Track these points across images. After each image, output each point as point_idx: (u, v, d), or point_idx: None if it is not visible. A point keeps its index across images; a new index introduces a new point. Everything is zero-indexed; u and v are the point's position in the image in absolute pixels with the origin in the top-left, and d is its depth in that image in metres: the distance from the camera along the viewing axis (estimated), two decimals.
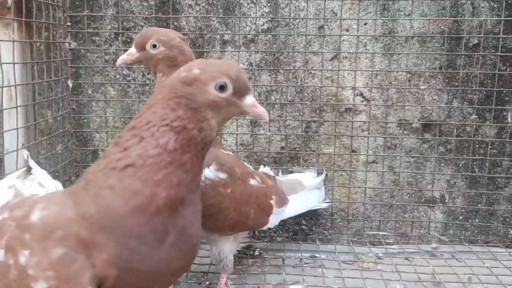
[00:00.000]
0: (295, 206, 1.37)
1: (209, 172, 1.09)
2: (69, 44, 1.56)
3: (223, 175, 1.12)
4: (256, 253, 1.47)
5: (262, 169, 1.42)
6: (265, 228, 1.30)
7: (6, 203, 0.85)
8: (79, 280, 0.66)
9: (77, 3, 1.55)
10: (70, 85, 1.58)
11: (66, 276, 0.67)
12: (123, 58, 1.13)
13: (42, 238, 0.69)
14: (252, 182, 1.21)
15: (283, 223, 1.61)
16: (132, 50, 1.11)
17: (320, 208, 1.53)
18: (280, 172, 1.56)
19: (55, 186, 1.03)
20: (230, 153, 1.23)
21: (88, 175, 0.73)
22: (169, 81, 0.75)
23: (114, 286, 0.69)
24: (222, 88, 0.72)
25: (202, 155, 0.73)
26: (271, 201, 1.26)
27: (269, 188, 1.28)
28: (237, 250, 1.47)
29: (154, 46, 1.09)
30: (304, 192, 1.42)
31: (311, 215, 1.61)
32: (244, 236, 1.32)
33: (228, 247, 1.19)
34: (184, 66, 0.76)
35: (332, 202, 1.57)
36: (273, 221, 1.29)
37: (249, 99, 0.76)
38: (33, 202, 0.76)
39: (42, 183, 1.01)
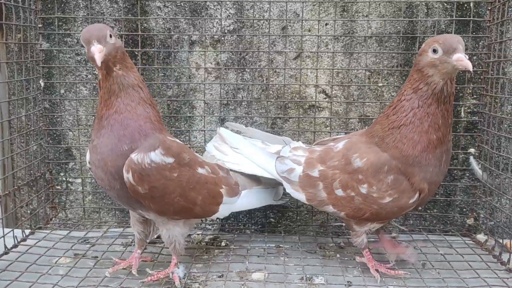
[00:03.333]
0: (249, 200, 1.40)
1: (155, 156, 1.13)
2: (41, 45, 1.61)
3: (169, 160, 1.16)
4: (223, 244, 1.52)
5: (215, 161, 1.46)
6: (214, 217, 1.35)
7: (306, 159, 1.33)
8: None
9: (49, 5, 1.60)
10: (42, 84, 1.63)
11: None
12: (101, 55, 1.06)
13: (373, 174, 1.21)
14: (201, 170, 1.25)
15: (251, 216, 1.68)
16: (99, 46, 1.07)
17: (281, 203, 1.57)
18: None
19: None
20: (178, 140, 1.27)
21: (376, 133, 1.25)
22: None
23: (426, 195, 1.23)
24: (435, 51, 1.13)
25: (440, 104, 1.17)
26: (221, 190, 1.30)
27: (220, 178, 1.32)
28: (204, 242, 1.54)
29: (110, 36, 1.10)
30: (259, 188, 1.44)
31: (278, 209, 1.68)
32: (195, 223, 1.35)
33: (177, 231, 1.24)
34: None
35: (287, 201, 1.62)
36: (223, 211, 1.33)
37: (458, 55, 1.10)
38: (345, 154, 1.27)
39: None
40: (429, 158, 1.19)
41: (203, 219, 1.67)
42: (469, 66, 1.08)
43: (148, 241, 1.37)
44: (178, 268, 1.27)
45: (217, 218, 1.67)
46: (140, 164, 1.11)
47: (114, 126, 1.13)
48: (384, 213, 1.24)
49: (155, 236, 1.39)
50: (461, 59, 1.09)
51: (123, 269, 1.29)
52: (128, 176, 1.11)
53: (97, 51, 1.06)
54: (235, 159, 1.44)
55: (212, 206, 1.30)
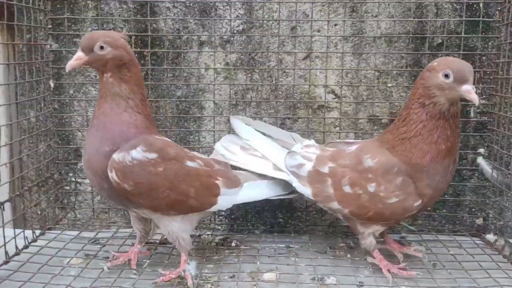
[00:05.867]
0: (252, 191, 1.40)
1: (136, 153, 1.16)
2: (50, 45, 1.61)
3: (152, 155, 1.18)
4: (233, 244, 1.52)
5: (212, 156, 1.47)
6: (215, 209, 1.34)
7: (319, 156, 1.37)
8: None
9: (58, 6, 1.61)
10: (52, 85, 1.63)
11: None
12: (71, 64, 1.16)
13: (383, 174, 1.24)
14: (191, 163, 1.26)
15: (259, 216, 1.68)
16: (80, 54, 1.16)
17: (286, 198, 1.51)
18: None
19: None
20: (166, 138, 1.30)
21: (387, 141, 1.28)
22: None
23: (428, 201, 1.26)
24: (447, 76, 1.15)
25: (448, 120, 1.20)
26: (216, 182, 1.31)
27: (215, 171, 1.32)
28: (214, 242, 1.54)
29: (102, 47, 1.15)
30: (264, 181, 1.43)
31: (287, 209, 1.68)
32: (198, 219, 1.35)
33: (176, 226, 1.25)
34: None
35: (297, 195, 1.62)
36: (224, 202, 1.34)
37: (467, 87, 1.13)
38: (357, 154, 1.31)
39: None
40: (437, 167, 1.22)
41: (212, 218, 1.68)
42: (476, 100, 1.13)
43: (149, 237, 1.40)
44: (189, 264, 1.27)
45: (226, 219, 1.68)
46: (122, 162, 1.15)
47: (99, 127, 1.19)
48: (387, 213, 1.26)
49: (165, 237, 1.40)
50: (470, 92, 1.14)
51: (132, 269, 1.30)
52: (112, 175, 1.15)
53: (73, 58, 1.17)
54: (244, 159, 1.45)
55: (208, 198, 1.30)
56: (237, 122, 1.52)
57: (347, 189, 1.29)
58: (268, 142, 1.47)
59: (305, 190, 1.37)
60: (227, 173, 1.36)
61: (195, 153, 1.38)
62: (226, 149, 1.48)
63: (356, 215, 1.30)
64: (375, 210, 1.26)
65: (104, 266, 1.29)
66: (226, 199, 1.34)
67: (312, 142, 1.47)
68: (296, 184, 1.38)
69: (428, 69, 1.21)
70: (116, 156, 1.15)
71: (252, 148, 1.47)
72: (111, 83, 1.19)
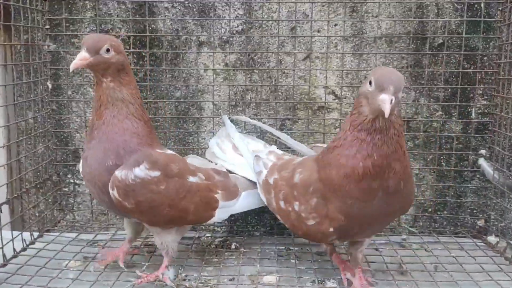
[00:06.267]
0: (249, 201, 1.39)
1: (139, 171, 1.15)
2: (48, 46, 1.59)
3: (155, 173, 1.17)
4: (233, 246, 1.51)
5: (212, 165, 1.44)
6: (211, 222, 1.33)
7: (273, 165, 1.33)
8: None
9: (56, 6, 1.59)
10: (50, 86, 1.62)
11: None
12: (76, 63, 1.11)
13: (303, 193, 1.14)
14: (192, 179, 1.25)
15: (260, 218, 1.67)
16: (85, 54, 1.11)
17: None
18: None
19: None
20: (170, 151, 1.28)
21: (323, 152, 1.15)
22: None
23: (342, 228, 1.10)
24: (370, 83, 1.00)
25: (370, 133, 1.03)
26: (215, 195, 1.30)
27: (214, 183, 1.31)
28: (214, 245, 1.53)
29: (108, 50, 1.13)
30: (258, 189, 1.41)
31: None
32: (189, 228, 1.36)
33: (170, 238, 1.26)
34: None
35: None
36: (221, 215, 1.33)
37: (383, 96, 0.96)
38: (295, 167, 1.22)
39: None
40: (350, 188, 1.05)
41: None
42: (386, 112, 0.94)
43: (139, 237, 1.41)
44: (169, 270, 1.28)
45: (225, 221, 1.66)
46: (124, 180, 1.13)
47: (101, 138, 1.16)
48: (312, 236, 1.19)
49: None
50: (384, 102, 0.95)
51: (130, 272, 1.29)
52: (113, 192, 1.14)
53: (78, 58, 1.12)
54: (233, 159, 1.46)
55: (206, 212, 1.29)
56: (227, 120, 1.54)
57: (282, 204, 1.23)
58: (245, 141, 1.48)
59: (263, 198, 1.35)
60: (227, 184, 1.35)
61: (196, 163, 1.35)
62: (218, 146, 1.49)
63: (293, 232, 1.28)
64: (302, 230, 1.18)
65: (91, 267, 1.30)
66: (223, 211, 1.34)
67: (274, 148, 1.47)
68: (259, 190, 1.37)
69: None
70: (119, 173, 1.13)
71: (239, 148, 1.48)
72: (112, 88, 1.16)
